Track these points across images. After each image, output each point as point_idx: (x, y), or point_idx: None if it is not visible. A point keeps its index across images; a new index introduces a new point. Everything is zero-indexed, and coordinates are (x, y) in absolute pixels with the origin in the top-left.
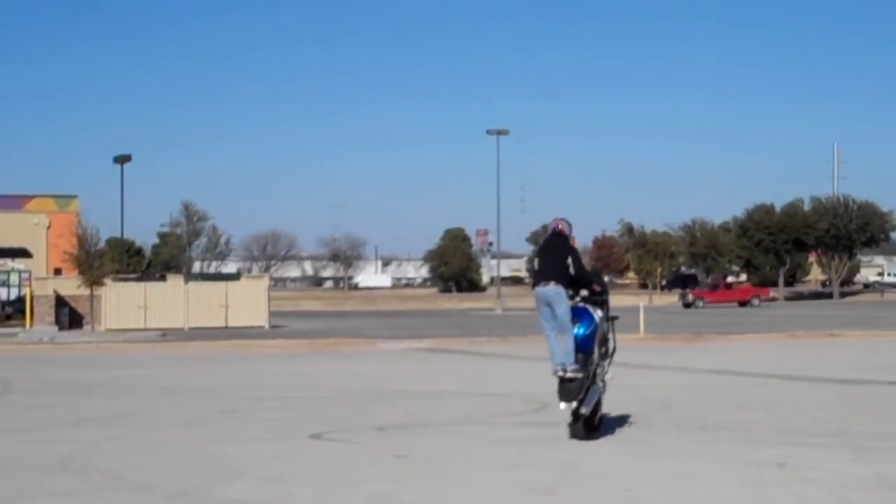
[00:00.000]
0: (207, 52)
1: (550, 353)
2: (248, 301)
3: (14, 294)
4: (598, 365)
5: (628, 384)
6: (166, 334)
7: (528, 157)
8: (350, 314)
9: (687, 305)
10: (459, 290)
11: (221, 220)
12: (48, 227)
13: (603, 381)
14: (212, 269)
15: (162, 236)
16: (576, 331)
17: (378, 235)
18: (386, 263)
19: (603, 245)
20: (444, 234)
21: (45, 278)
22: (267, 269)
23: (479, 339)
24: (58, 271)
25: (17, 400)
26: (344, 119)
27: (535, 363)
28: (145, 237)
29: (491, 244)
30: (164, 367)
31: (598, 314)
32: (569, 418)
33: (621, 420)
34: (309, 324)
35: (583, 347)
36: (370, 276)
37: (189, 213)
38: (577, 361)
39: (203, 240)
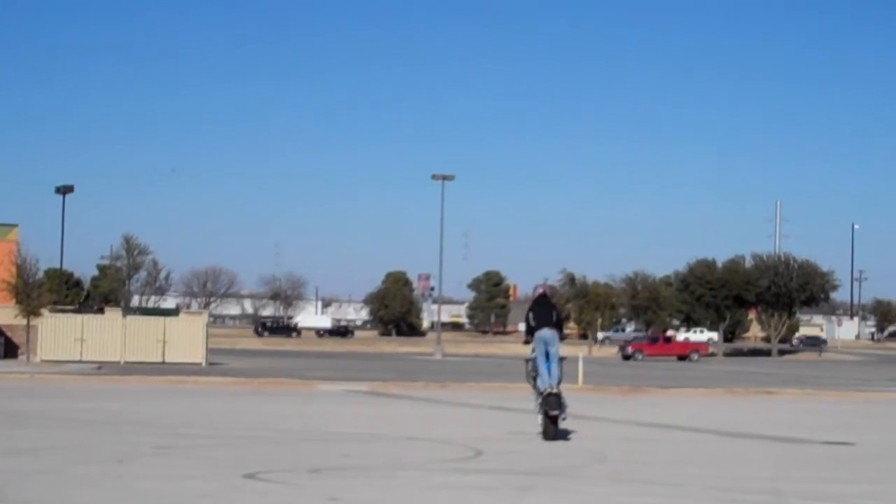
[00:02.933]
0: (151, 87)
1: (541, 376)
2: (185, 337)
3: None
4: None
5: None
6: (102, 367)
7: (473, 204)
8: (288, 354)
9: (626, 358)
10: (399, 333)
11: (162, 255)
12: None
13: None
14: (151, 304)
15: (101, 269)
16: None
17: (319, 276)
18: (326, 304)
19: None
20: (385, 278)
21: None
22: (206, 305)
23: (417, 383)
24: None
25: None
26: (289, 158)
27: (472, 410)
28: (85, 269)
29: (432, 289)
30: (99, 400)
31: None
32: (540, 427)
33: (555, 471)
34: (247, 362)
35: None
36: (310, 316)
37: (129, 246)
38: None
39: (143, 274)
